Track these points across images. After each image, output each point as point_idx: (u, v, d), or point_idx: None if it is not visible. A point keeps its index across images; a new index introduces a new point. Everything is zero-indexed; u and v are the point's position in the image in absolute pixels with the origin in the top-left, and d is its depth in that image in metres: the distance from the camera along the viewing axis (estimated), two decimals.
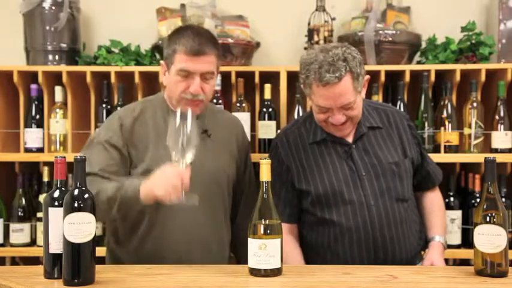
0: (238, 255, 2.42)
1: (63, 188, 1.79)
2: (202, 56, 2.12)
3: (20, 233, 2.92)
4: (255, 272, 1.80)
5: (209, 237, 2.22)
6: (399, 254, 2.18)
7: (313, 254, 2.27)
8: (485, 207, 1.81)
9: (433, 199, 2.40)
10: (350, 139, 2.23)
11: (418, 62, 3.07)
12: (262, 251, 1.78)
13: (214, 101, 2.80)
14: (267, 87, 2.90)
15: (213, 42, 2.19)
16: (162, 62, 2.24)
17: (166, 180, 1.89)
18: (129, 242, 2.21)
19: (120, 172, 2.14)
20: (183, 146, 1.86)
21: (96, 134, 2.23)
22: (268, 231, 1.81)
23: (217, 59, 2.19)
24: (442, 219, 2.39)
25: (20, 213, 2.95)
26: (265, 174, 1.84)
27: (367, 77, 2.22)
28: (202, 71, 2.13)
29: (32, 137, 2.95)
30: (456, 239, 2.84)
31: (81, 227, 1.69)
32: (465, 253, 2.49)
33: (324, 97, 2.11)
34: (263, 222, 1.81)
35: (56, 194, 1.78)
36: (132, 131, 2.19)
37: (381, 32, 2.86)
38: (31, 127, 2.96)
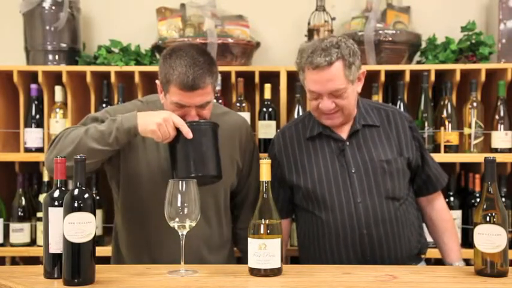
0: (243, 255, 2.40)
1: (63, 188, 1.79)
2: (197, 90, 2.04)
3: (20, 233, 2.92)
4: (255, 272, 1.80)
5: (203, 245, 2.21)
6: (388, 253, 2.17)
7: (305, 249, 2.29)
8: (485, 207, 1.81)
9: (442, 214, 2.39)
10: (344, 135, 2.24)
11: (418, 62, 3.07)
12: (262, 250, 1.78)
13: (214, 100, 2.80)
14: (267, 87, 2.90)
15: (209, 70, 2.07)
16: (157, 81, 2.16)
17: (157, 117, 1.97)
18: (135, 247, 2.24)
19: None
20: (183, 215, 1.83)
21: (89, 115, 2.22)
22: (268, 231, 1.81)
23: (214, 85, 2.12)
24: (456, 240, 2.40)
25: (20, 213, 2.95)
26: (265, 174, 1.84)
27: (363, 70, 2.23)
28: (197, 104, 2.08)
29: (32, 137, 2.95)
30: None
31: (81, 227, 1.69)
32: (465, 253, 2.49)
33: (314, 81, 2.14)
34: (263, 222, 1.81)
35: (56, 194, 1.78)
36: None
37: (380, 31, 2.86)
38: (31, 127, 2.96)
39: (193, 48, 2.13)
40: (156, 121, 1.97)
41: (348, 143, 2.23)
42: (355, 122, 2.25)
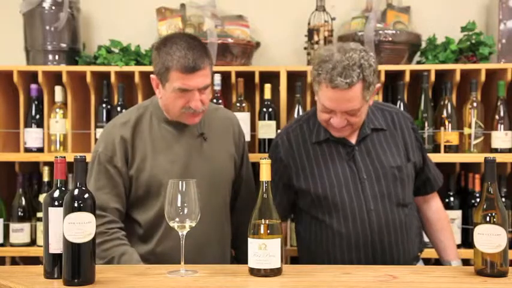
0: (236, 252, 2.44)
1: (63, 188, 1.79)
2: (198, 71, 2.09)
3: (20, 233, 2.93)
4: (255, 272, 1.80)
5: (211, 240, 2.24)
6: (397, 258, 2.17)
7: (310, 254, 2.27)
8: (485, 207, 1.81)
9: (439, 213, 2.40)
10: (353, 140, 2.22)
11: (418, 62, 3.07)
12: (262, 251, 1.78)
13: (214, 100, 2.81)
14: (267, 87, 2.90)
15: (205, 53, 2.14)
16: (152, 76, 2.18)
17: None
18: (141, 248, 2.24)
19: (121, 191, 2.19)
20: (183, 215, 1.82)
21: (97, 153, 2.20)
22: (268, 231, 1.81)
23: (211, 66, 2.17)
24: (452, 238, 2.42)
25: (20, 213, 2.95)
26: (265, 174, 1.84)
27: (378, 85, 2.20)
28: (200, 86, 2.11)
29: (32, 137, 2.95)
30: (456, 239, 2.81)
31: (81, 227, 1.69)
32: (465, 253, 2.49)
33: (330, 99, 2.09)
34: (263, 222, 1.81)
35: (56, 194, 1.78)
36: (133, 144, 2.19)
37: (380, 32, 2.86)
38: (31, 127, 2.96)
39: (185, 35, 2.21)
40: None
41: (357, 148, 2.21)
42: (364, 126, 2.22)
